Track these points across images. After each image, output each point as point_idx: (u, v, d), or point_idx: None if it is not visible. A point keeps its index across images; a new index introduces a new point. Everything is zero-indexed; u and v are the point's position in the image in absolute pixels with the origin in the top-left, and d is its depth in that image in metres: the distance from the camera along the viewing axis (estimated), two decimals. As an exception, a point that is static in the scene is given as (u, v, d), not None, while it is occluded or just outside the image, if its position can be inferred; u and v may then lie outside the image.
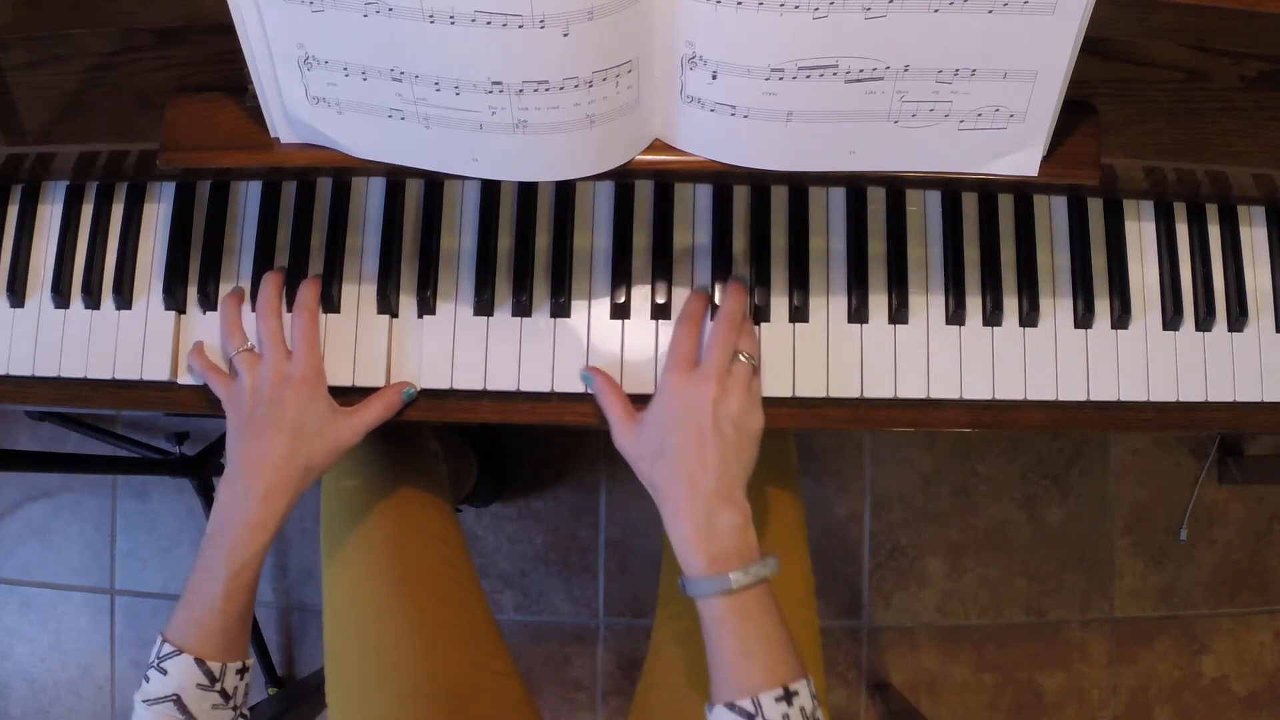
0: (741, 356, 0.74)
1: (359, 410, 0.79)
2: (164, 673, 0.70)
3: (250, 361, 0.78)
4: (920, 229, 0.83)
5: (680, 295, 0.81)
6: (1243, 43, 0.72)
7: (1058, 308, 0.82)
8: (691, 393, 0.72)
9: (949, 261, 0.82)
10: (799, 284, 0.81)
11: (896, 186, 0.82)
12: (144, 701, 0.70)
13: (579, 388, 0.79)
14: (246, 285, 0.82)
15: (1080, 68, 0.64)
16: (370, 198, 0.83)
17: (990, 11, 0.60)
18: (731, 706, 0.66)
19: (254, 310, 0.80)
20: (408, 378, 0.80)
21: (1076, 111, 0.71)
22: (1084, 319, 0.82)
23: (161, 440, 1.57)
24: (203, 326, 0.81)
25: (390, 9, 0.60)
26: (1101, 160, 0.72)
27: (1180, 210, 0.85)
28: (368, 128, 0.68)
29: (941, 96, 0.65)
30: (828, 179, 0.82)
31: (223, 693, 0.71)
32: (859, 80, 0.64)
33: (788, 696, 0.66)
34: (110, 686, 1.66)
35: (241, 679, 0.73)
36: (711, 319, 0.78)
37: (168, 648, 0.71)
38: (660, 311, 0.81)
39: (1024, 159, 0.70)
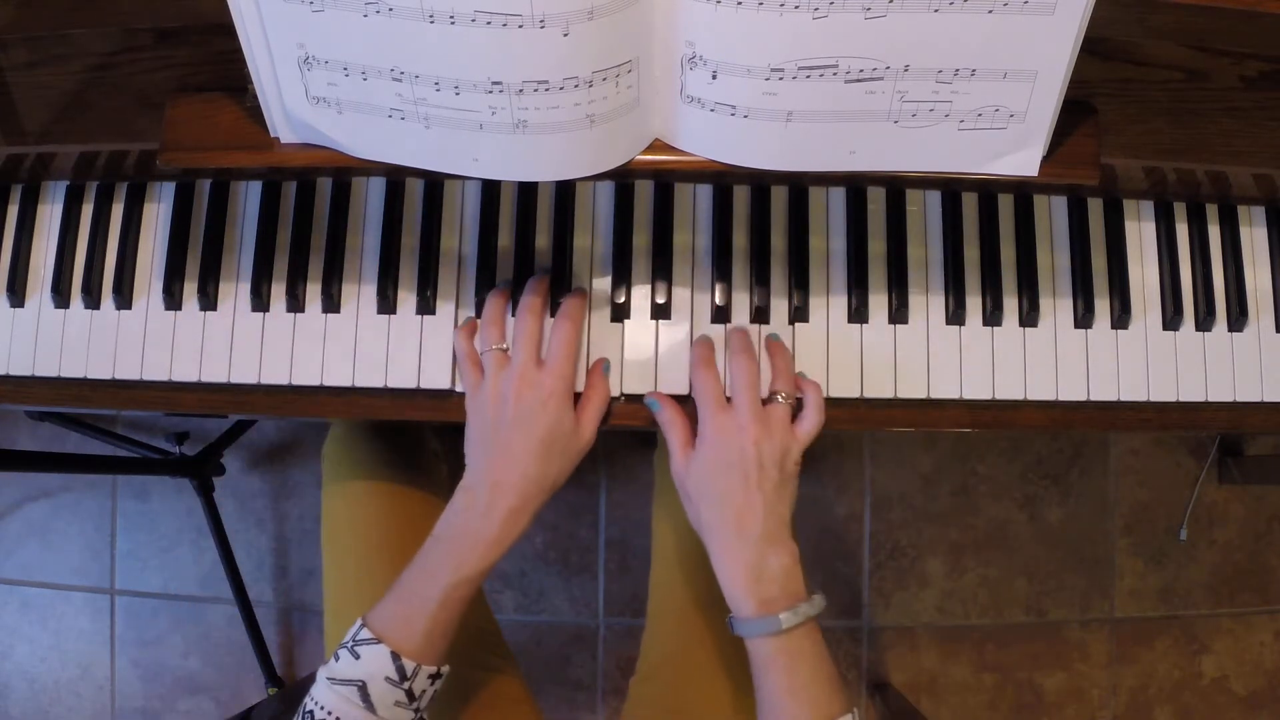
0: (779, 397, 0.75)
1: (584, 411, 0.77)
2: (356, 656, 0.69)
3: (499, 363, 0.76)
4: (920, 229, 0.83)
5: (680, 295, 0.81)
6: (1243, 43, 0.72)
7: (1058, 308, 0.82)
8: (734, 437, 0.73)
9: (949, 261, 0.82)
10: (799, 284, 0.81)
11: (896, 186, 0.82)
12: (328, 679, 0.69)
13: (578, 388, 0.79)
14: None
15: (1080, 68, 0.64)
16: (370, 198, 0.83)
17: (990, 11, 0.60)
18: None
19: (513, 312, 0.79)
20: (407, 377, 0.80)
21: (1076, 111, 0.71)
22: (1084, 319, 0.82)
23: (161, 440, 1.57)
24: (202, 326, 0.81)
25: (390, 9, 0.60)
26: (1101, 160, 0.71)
27: (1180, 210, 0.85)
28: (368, 128, 0.68)
29: (941, 96, 0.65)
30: (828, 179, 0.82)
31: (409, 693, 0.70)
32: (859, 80, 0.64)
33: None
34: (110, 686, 1.66)
35: (433, 684, 0.72)
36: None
37: (366, 633, 0.70)
38: (660, 311, 0.81)
39: (1024, 159, 0.70)
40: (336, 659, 0.70)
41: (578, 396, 0.78)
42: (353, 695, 0.68)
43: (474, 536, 0.72)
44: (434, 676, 0.71)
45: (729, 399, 0.75)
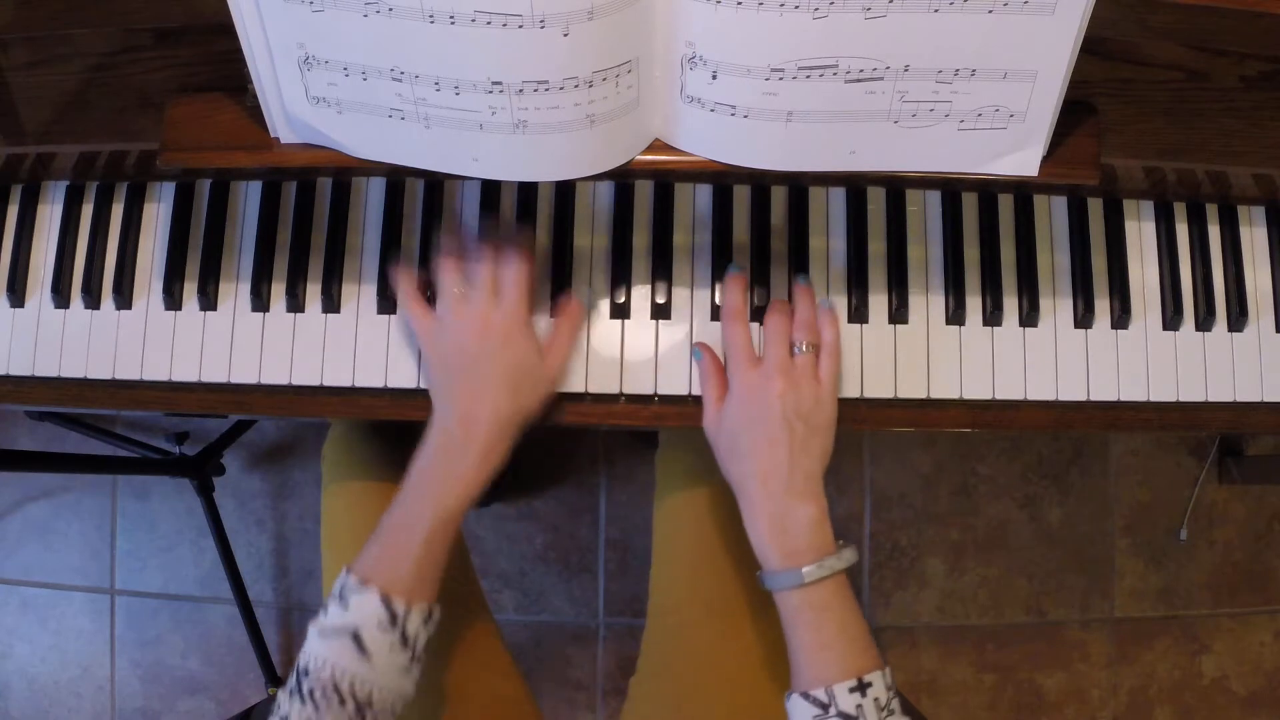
0: (802, 347, 0.75)
1: (554, 343, 0.78)
2: (345, 606, 0.68)
3: (457, 304, 0.75)
4: (920, 229, 0.83)
5: (680, 295, 0.81)
6: (1243, 43, 0.72)
7: (1058, 308, 0.82)
8: (759, 392, 0.73)
9: (949, 261, 0.82)
10: (799, 284, 0.81)
11: (896, 186, 0.82)
12: (319, 632, 0.68)
13: (578, 387, 0.79)
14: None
15: (1080, 68, 0.64)
16: (370, 198, 0.83)
17: (990, 11, 0.60)
18: (806, 695, 0.68)
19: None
20: (407, 377, 0.80)
21: (1076, 111, 0.71)
22: (1084, 319, 0.82)
23: (161, 440, 1.57)
24: (202, 326, 0.81)
25: (390, 9, 0.60)
26: (1101, 160, 0.72)
27: (1180, 210, 0.85)
28: (368, 128, 0.68)
29: (941, 96, 0.65)
30: (828, 179, 0.82)
31: (404, 636, 0.69)
32: (859, 80, 0.64)
33: (861, 688, 0.67)
34: (110, 686, 1.66)
35: (425, 625, 0.71)
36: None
37: (353, 580, 0.69)
38: (660, 311, 0.81)
39: (1024, 159, 0.70)
40: (325, 612, 0.69)
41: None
42: (347, 645, 0.67)
43: (453, 474, 0.73)
44: (426, 619, 0.71)
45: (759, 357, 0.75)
